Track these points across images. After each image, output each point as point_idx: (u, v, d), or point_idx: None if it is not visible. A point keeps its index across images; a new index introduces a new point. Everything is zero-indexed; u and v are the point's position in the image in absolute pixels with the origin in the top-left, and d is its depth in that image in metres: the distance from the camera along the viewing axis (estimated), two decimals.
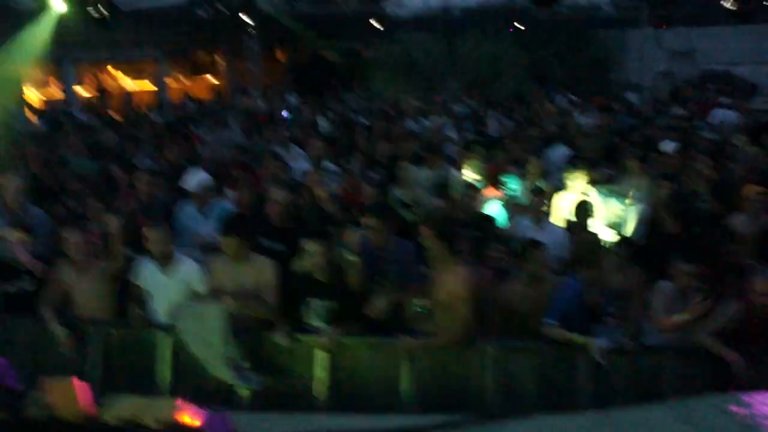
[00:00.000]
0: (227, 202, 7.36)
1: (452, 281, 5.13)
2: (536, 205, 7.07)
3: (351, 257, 5.53)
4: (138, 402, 1.31)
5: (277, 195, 6.64)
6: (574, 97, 16.23)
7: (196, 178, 7.25)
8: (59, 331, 5.69)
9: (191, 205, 7.13)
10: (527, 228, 6.82)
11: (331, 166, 9.01)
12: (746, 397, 1.46)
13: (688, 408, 1.40)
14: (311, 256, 5.41)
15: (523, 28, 20.28)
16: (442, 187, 7.63)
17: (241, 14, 18.63)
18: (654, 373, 5.24)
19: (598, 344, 4.98)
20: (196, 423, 1.28)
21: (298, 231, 6.04)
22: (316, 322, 5.42)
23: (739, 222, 6.77)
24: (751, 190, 6.92)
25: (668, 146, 9.40)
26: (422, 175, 8.43)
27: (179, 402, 1.33)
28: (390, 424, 1.20)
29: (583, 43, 21.04)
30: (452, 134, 11.64)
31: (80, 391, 1.28)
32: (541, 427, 1.33)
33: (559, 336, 5.12)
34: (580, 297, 5.35)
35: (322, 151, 9.34)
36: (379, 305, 5.33)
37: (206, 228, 6.83)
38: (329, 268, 5.44)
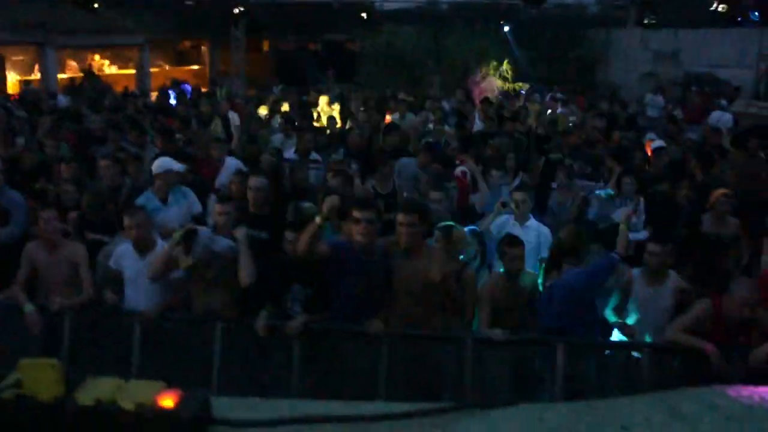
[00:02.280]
0: (187, 189, 7.17)
1: (432, 265, 5.12)
2: (519, 202, 6.99)
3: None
4: (118, 384, 1.28)
5: (255, 182, 6.54)
6: (559, 94, 16.31)
7: (157, 164, 7.05)
8: (27, 310, 5.58)
9: (151, 192, 6.94)
10: (509, 225, 6.82)
11: (316, 155, 9.02)
12: (729, 390, 1.46)
13: (672, 400, 1.39)
14: (290, 243, 5.40)
15: (509, 25, 20.27)
16: (438, 181, 7.60)
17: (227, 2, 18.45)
18: (629, 369, 5.31)
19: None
20: (171, 404, 1.25)
21: (280, 219, 6.03)
22: (297, 308, 5.41)
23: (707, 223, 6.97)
24: (718, 192, 7.10)
25: (656, 144, 9.53)
26: (409, 168, 8.44)
27: (160, 384, 1.30)
28: (372, 411, 1.19)
29: (570, 42, 21.12)
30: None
31: (59, 372, 1.25)
32: (522, 415, 1.32)
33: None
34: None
35: (312, 144, 9.32)
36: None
37: (166, 214, 6.69)
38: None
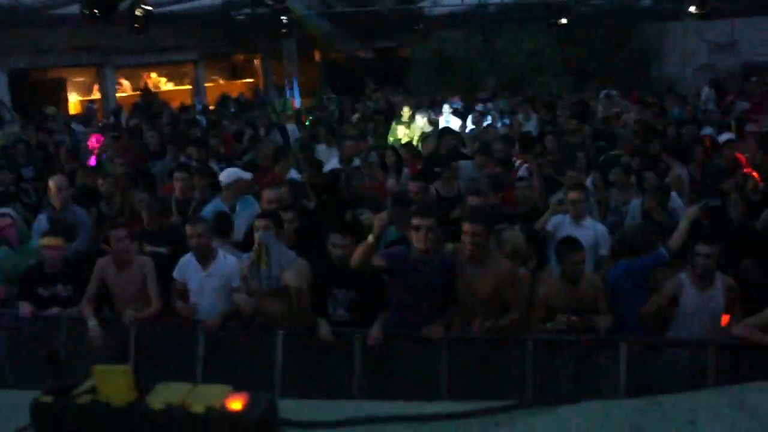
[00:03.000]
0: (251, 198, 7.24)
1: (500, 275, 5.11)
2: (574, 201, 6.82)
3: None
4: (187, 389, 1.32)
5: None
6: (614, 92, 16.04)
7: (226, 174, 7.21)
8: (90, 325, 5.75)
9: (219, 201, 7.07)
10: (566, 224, 6.72)
11: (357, 161, 9.10)
12: None
13: (740, 394, 1.37)
14: (335, 247, 5.42)
15: (561, 22, 19.98)
16: (498, 184, 7.52)
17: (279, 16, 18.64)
18: (696, 370, 5.20)
19: None
20: (239, 406, 1.29)
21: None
22: (342, 311, 5.43)
23: None
24: None
25: (724, 137, 9.37)
26: (467, 171, 8.43)
27: (228, 388, 1.33)
28: (434, 410, 1.19)
29: (623, 37, 20.73)
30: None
31: (131, 378, 1.29)
32: (587, 412, 1.31)
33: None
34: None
35: (354, 150, 9.38)
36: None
37: (234, 224, 6.72)
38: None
